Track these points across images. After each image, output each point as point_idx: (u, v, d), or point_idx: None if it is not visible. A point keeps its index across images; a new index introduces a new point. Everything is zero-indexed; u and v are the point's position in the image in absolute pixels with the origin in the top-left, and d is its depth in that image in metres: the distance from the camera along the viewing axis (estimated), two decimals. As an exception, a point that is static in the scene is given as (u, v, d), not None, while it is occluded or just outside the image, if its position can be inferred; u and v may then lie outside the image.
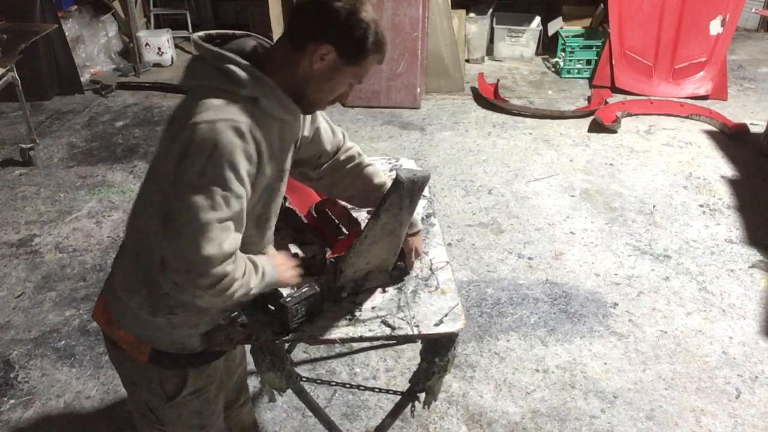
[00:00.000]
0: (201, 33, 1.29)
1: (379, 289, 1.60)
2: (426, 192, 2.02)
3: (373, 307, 1.54)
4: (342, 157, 1.61)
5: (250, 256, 1.31)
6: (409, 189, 1.42)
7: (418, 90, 4.87)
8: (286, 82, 1.23)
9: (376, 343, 2.45)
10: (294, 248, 1.74)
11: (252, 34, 1.34)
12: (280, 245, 1.74)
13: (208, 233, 1.13)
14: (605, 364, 2.54)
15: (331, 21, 1.18)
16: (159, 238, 1.18)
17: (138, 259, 1.32)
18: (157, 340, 1.37)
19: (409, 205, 1.46)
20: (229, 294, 1.20)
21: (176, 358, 1.40)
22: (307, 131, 1.50)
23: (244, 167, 1.17)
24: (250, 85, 1.20)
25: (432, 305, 1.56)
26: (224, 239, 1.16)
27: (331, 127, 1.58)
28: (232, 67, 1.20)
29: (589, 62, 5.44)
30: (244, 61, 1.20)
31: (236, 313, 1.48)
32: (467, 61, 5.73)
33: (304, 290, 1.43)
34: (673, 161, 4.12)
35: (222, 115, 1.16)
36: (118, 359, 1.47)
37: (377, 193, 1.64)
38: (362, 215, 1.83)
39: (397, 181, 1.39)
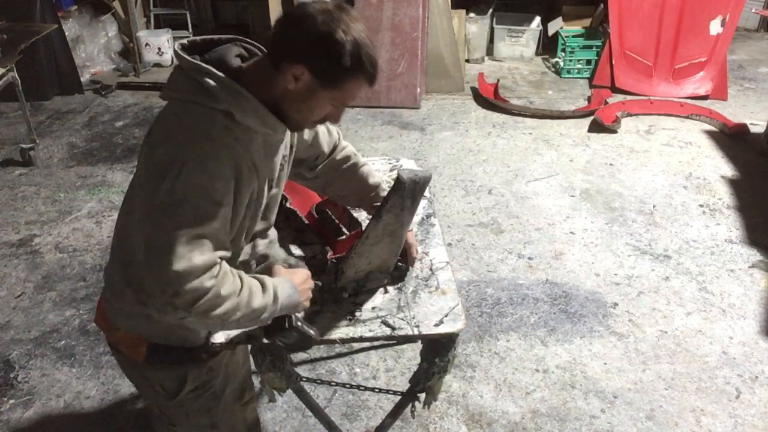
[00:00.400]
0: (184, 40, 1.27)
1: (380, 290, 1.61)
2: (426, 192, 2.02)
3: (373, 308, 1.55)
4: (338, 157, 1.60)
5: (258, 275, 1.26)
6: (410, 189, 1.42)
7: (418, 90, 4.87)
8: (265, 99, 1.20)
9: (376, 343, 2.45)
10: (294, 248, 1.74)
11: (238, 38, 1.30)
12: (280, 246, 1.75)
13: (176, 248, 1.09)
14: (605, 364, 2.54)
15: (304, 41, 1.14)
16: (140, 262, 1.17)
17: (125, 268, 1.32)
18: (153, 333, 1.35)
19: (410, 205, 1.46)
20: (219, 314, 1.14)
21: (172, 355, 1.38)
22: (306, 135, 1.50)
23: (217, 185, 1.14)
24: (225, 99, 1.16)
25: (432, 305, 1.56)
26: (194, 254, 1.11)
27: (327, 127, 1.57)
28: (208, 80, 1.16)
29: (589, 62, 5.43)
30: (220, 74, 1.17)
31: None
32: (467, 61, 5.73)
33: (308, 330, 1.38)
34: (673, 161, 4.12)
35: (194, 133, 1.15)
36: (122, 364, 1.46)
37: (372, 193, 1.64)
38: (363, 215, 1.83)
39: (398, 182, 1.39)
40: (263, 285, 1.24)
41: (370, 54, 1.17)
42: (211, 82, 1.16)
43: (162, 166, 1.13)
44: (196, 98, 1.17)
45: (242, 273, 1.23)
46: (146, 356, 1.37)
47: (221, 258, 1.18)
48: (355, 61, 1.15)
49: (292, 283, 1.30)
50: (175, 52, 1.22)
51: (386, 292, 1.60)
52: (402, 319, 1.51)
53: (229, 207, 1.18)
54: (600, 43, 5.33)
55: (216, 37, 1.29)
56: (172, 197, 1.11)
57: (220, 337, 1.42)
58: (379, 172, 1.80)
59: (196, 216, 1.12)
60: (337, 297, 1.54)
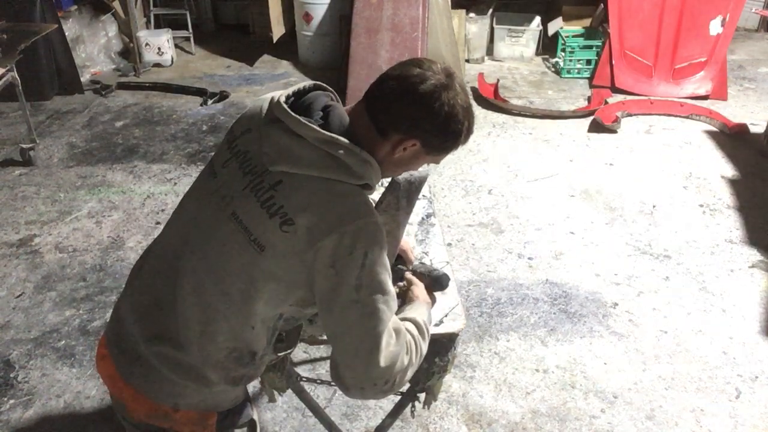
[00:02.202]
0: (282, 97, 1.17)
1: None
2: (426, 192, 2.03)
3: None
4: None
5: (410, 317, 1.26)
6: (405, 190, 1.42)
7: (418, 90, 4.87)
8: None
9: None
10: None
11: (319, 84, 1.24)
12: None
13: (380, 346, 1.11)
14: (605, 364, 2.54)
15: (427, 120, 1.14)
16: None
17: (202, 350, 1.20)
18: (223, 402, 1.30)
19: (406, 205, 1.46)
20: (410, 373, 1.20)
21: (240, 413, 1.35)
22: None
23: (387, 265, 1.15)
24: (366, 175, 1.14)
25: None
26: (392, 342, 1.13)
27: None
28: (346, 155, 1.11)
29: (589, 62, 5.44)
30: (356, 149, 1.12)
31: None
32: (467, 61, 5.73)
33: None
34: (673, 161, 4.12)
35: (360, 217, 1.09)
36: None
37: None
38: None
39: (393, 182, 1.40)
40: (419, 328, 1.26)
41: (473, 119, 1.21)
42: (352, 159, 1.11)
43: (339, 259, 1.08)
44: (341, 176, 1.11)
45: (406, 324, 1.23)
46: (218, 426, 1.30)
47: (401, 325, 1.19)
48: (467, 136, 1.21)
49: (423, 303, 1.35)
50: (292, 119, 1.12)
51: None
52: (402, 319, 1.51)
53: None
54: (600, 43, 5.34)
55: (302, 86, 1.23)
56: (361, 293, 1.09)
57: None
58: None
59: (387, 304, 1.12)
60: None
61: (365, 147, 1.14)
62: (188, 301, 1.18)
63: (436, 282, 1.48)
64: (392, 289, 1.15)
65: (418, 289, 1.39)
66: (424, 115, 1.13)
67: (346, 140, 1.11)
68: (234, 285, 1.15)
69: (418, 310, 1.31)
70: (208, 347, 1.19)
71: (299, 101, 1.20)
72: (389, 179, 1.45)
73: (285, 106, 1.14)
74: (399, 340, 1.16)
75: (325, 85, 1.26)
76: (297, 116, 1.12)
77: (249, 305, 1.16)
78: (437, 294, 1.57)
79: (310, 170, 1.10)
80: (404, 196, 1.43)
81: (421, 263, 1.61)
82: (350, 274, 1.08)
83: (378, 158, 1.17)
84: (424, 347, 1.25)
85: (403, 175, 1.40)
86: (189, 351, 1.20)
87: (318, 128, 1.11)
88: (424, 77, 1.12)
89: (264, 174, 1.12)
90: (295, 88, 1.22)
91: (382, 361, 1.11)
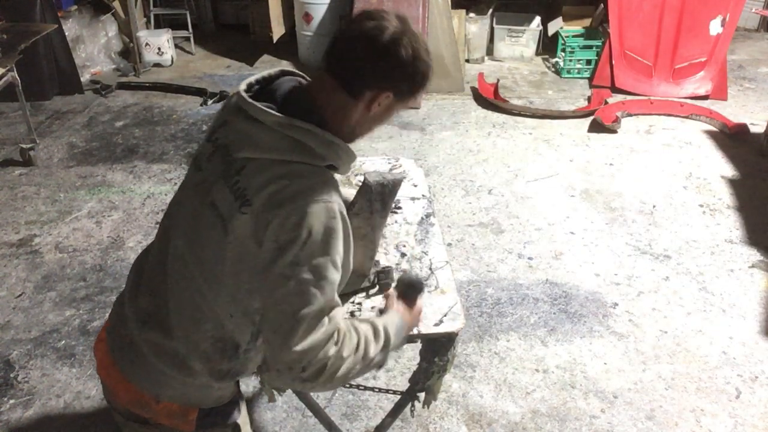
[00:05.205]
0: (243, 85, 1.18)
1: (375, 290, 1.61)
2: (426, 192, 2.03)
3: (372, 307, 1.55)
4: None
5: (370, 319, 1.24)
6: (378, 193, 1.44)
7: (418, 90, 4.87)
8: (341, 130, 1.18)
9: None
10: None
11: (286, 70, 1.25)
12: None
13: (301, 327, 1.07)
14: (605, 364, 2.54)
15: (396, 70, 1.14)
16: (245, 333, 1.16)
17: (213, 343, 1.21)
18: (205, 398, 1.30)
19: (381, 209, 1.47)
20: (341, 375, 1.13)
21: (222, 413, 1.34)
22: None
23: (338, 251, 1.12)
24: (329, 156, 1.14)
25: (431, 305, 1.56)
26: (319, 329, 1.09)
27: None
28: (308, 138, 1.11)
29: (589, 62, 5.43)
30: (318, 130, 1.12)
31: None
32: (467, 61, 5.73)
33: None
34: (673, 161, 4.12)
35: (313, 196, 1.09)
36: None
37: None
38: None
39: (365, 185, 1.43)
40: (375, 331, 1.22)
41: (431, 56, 1.20)
42: (313, 140, 1.12)
43: (282, 235, 1.07)
44: (298, 158, 1.11)
45: (356, 323, 1.20)
46: (198, 423, 1.30)
47: (336, 315, 1.14)
48: (430, 72, 1.19)
49: (395, 312, 1.31)
50: (252, 106, 1.13)
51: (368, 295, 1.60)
52: (401, 319, 1.51)
53: (345, 266, 1.18)
54: (600, 43, 5.34)
55: (267, 73, 1.24)
56: (295, 270, 1.07)
57: None
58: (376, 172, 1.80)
59: (321, 289, 1.09)
60: None
61: (337, 115, 1.16)
62: (179, 286, 1.21)
63: (409, 288, 1.41)
64: (333, 276, 1.11)
65: (391, 299, 1.37)
66: (392, 65, 1.13)
67: (305, 122, 1.11)
68: (213, 271, 1.16)
69: (386, 317, 1.28)
70: (195, 335, 1.21)
71: (266, 89, 1.21)
72: (361, 183, 1.46)
73: (243, 93, 1.15)
74: (328, 329, 1.11)
75: (294, 70, 1.27)
76: (254, 102, 1.13)
77: (225, 291, 1.17)
78: (437, 296, 1.56)
79: (271, 154, 1.11)
80: (378, 199, 1.44)
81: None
82: (290, 251, 1.07)
83: (354, 121, 1.18)
84: (373, 349, 1.19)
85: (375, 178, 1.43)
86: (176, 337, 1.21)
87: (274, 112, 1.11)
88: (381, 28, 1.12)
89: (233, 162, 1.14)
90: (260, 75, 1.23)
91: (299, 345, 1.07)
